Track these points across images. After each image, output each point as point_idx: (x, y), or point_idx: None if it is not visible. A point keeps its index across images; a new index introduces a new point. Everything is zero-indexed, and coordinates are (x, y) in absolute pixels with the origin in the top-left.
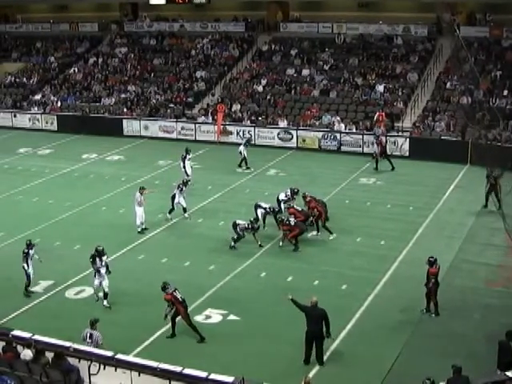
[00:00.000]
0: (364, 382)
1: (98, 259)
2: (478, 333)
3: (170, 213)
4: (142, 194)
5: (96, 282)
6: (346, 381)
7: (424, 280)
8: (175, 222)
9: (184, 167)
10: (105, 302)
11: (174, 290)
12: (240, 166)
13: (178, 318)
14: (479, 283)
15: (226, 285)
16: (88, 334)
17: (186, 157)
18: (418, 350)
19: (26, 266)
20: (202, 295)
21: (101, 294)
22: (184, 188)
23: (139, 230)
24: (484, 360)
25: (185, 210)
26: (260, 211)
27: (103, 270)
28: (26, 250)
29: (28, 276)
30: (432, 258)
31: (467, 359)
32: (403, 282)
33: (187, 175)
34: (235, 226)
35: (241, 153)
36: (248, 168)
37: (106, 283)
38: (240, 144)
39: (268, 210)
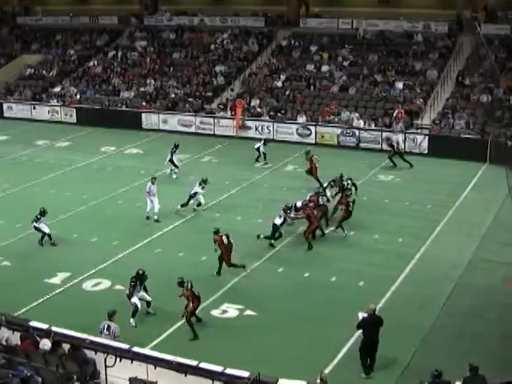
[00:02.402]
0: (380, 379)
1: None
2: (495, 332)
3: (182, 206)
4: (153, 183)
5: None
6: (362, 378)
7: (442, 278)
8: (192, 217)
9: (171, 160)
10: (131, 320)
11: (191, 286)
12: (257, 160)
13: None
14: (497, 282)
15: (243, 280)
16: (106, 326)
17: (175, 151)
18: (434, 348)
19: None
20: (219, 290)
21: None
22: (204, 185)
23: (156, 218)
24: (500, 359)
25: (199, 204)
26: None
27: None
28: (39, 216)
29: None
30: None
31: (484, 358)
32: (421, 279)
33: (176, 167)
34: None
35: (258, 150)
36: (266, 163)
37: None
38: (256, 140)
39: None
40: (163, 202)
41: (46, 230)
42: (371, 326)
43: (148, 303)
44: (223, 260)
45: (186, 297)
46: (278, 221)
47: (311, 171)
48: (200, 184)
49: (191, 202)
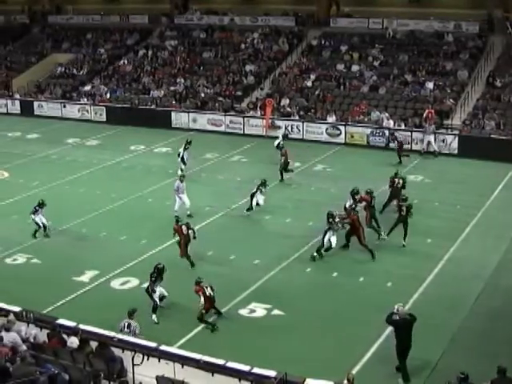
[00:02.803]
0: None
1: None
2: None
3: (247, 210)
4: (182, 181)
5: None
6: (389, 378)
7: (471, 279)
8: (221, 215)
9: (182, 157)
10: (153, 317)
11: (206, 286)
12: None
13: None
14: None
15: (271, 279)
16: (126, 324)
17: (188, 147)
18: (462, 349)
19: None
20: (247, 289)
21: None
22: (263, 189)
23: (188, 213)
24: None
25: (258, 204)
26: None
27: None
28: (37, 208)
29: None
30: None
31: None
32: (449, 280)
33: (184, 164)
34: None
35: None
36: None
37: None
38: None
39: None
40: (193, 201)
41: (44, 221)
42: (406, 328)
43: (162, 298)
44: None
45: (197, 293)
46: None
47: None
48: (259, 187)
49: (254, 203)
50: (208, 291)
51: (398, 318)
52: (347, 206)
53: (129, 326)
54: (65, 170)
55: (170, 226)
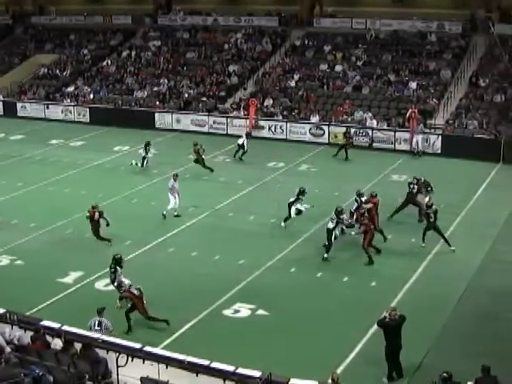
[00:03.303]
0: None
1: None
2: (509, 333)
3: (285, 221)
4: (175, 180)
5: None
6: (373, 377)
7: (455, 278)
8: (206, 216)
9: (144, 157)
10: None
11: (130, 287)
12: (239, 157)
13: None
14: (510, 283)
15: (256, 279)
16: (96, 322)
17: (149, 149)
18: (446, 349)
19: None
20: (232, 289)
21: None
22: (301, 197)
23: (176, 213)
24: None
25: (300, 212)
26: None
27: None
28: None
29: None
30: None
31: (497, 359)
32: (433, 280)
33: (142, 165)
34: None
35: (243, 146)
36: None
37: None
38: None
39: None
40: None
41: None
42: (395, 329)
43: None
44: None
45: (126, 298)
46: (331, 225)
47: (199, 161)
48: (298, 196)
49: (293, 214)
50: (135, 292)
51: (388, 320)
52: (353, 210)
53: (99, 323)
54: (49, 170)
55: (155, 226)
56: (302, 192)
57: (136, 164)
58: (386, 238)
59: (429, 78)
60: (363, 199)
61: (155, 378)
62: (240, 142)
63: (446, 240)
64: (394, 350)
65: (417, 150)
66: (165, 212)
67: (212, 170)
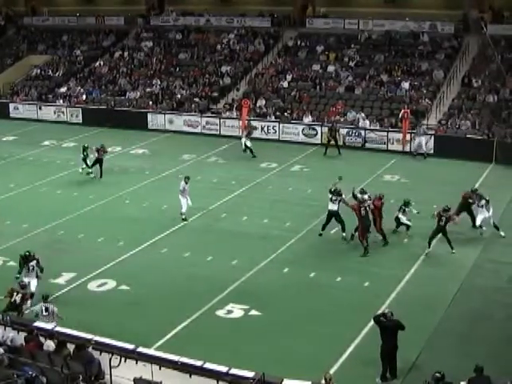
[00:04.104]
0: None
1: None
2: (501, 333)
3: (394, 232)
4: (187, 182)
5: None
6: (367, 378)
7: (448, 279)
8: (198, 217)
9: (84, 160)
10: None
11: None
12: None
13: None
14: (503, 283)
15: (249, 280)
16: (44, 308)
17: (86, 154)
18: (439, 349)
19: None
20: (225, 290)
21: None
22: (406, 208)
23: (183, 217)
24: (507, 360)
25: (408, 228)
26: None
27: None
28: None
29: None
30: None
31: (489, 359)
32: (426, 280)
33: (88, 167)
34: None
35: (247, 145)
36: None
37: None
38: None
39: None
40: (170, 202)
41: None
42: (392, 329)
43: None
44: None
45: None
46: (335, 206)
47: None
48: (400, 208)
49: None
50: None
51: (385, 319)
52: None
53: (46, 309)
54: (42, 171)
55: (148, 227)
56: (406, 204)
57: (83, 169)
58: (386, 243)
59: (421, 78)
60: (365, 196)
61: (148, 378)
62: (244, 143)
63: (450, 243)
64: (390, 349)
65: (418, 151)
66: (183, 216)
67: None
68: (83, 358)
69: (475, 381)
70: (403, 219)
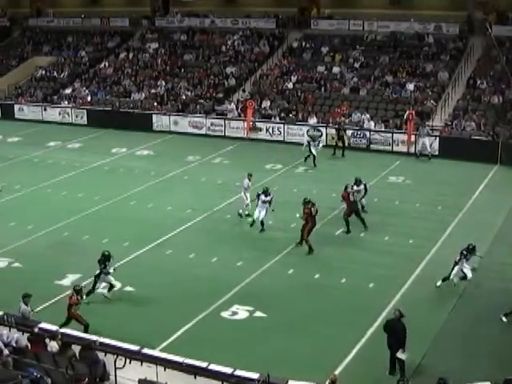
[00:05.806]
0: (389, 381)
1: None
2: (507, 335)
3: (443, 280)
4: (250, 180)
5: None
6: (372, 379)
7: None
8: (203, 217)
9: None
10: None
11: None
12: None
13: None
14: (508, 284)
15: (254, 281)
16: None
17: None
18: (444, 351)
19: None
20: (229, 291)
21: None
22: (469, 255)
23: (246, 212)
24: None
25: (465, 278)
26: None
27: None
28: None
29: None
30: None
31: (494, 361)
32: (431, 281)
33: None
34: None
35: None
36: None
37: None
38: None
39: None
40: (175, 203)
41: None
42: (389, 330)
43: (110, 287)
44: None
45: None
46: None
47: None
48: (462, 254)
49: (455, 278)
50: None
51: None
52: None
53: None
54: (47, 173)
55: (153, 228)
56: (471, 249)
57: None
58: (349, 231)
59: (426, 79)
60: (355, 187)
61: (153, 380)
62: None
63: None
64: (389, 346)
65: (423, 152)
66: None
67: None
68: (88, 359)
69: None
70: (466, 271)
